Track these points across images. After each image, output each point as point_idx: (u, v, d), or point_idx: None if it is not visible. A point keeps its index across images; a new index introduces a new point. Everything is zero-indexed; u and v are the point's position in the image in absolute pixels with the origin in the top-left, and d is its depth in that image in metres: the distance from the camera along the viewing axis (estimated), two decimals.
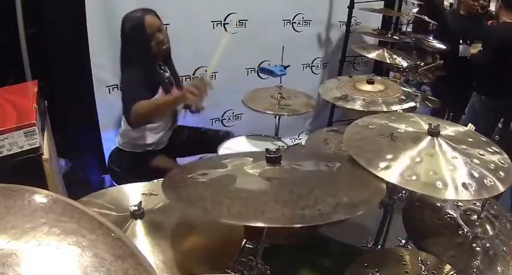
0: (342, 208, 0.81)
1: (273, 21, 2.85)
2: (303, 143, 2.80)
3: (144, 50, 1.74)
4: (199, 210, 0.80)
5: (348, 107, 1.62)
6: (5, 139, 1.14)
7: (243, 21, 2.70)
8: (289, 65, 2.46)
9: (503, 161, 1.04)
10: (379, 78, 1.81)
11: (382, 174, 0.97)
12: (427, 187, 0.93)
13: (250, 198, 0.83)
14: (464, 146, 1.06)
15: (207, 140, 2.15)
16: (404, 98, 1.64)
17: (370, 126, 1.19)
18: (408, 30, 3.81)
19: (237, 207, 0.80)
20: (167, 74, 1.90)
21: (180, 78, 2.04)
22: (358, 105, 1.59)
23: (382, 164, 0.99)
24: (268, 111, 2.05)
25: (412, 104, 1.60)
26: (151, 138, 1.93)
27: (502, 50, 2.55)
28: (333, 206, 0.81)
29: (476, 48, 2.91)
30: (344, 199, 0.85)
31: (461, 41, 2.97)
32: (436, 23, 3.21)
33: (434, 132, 1.07)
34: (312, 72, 3.31)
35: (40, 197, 0.59)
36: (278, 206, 0.80)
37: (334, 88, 1.75)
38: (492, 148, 1.10)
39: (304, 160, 1.08)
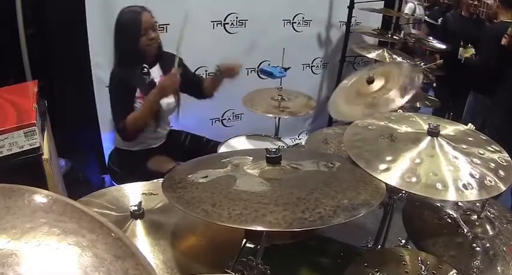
0: (342, 210, 0.81)
1: (273, 21, 2.85)
2: (303, 143, 2.80)
3: (134, 45, 1.75)
4: (200, 215, 0.80)
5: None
6: (5, 138, 1.14)
7: (243, 21, 2.70)
8: (289, 67, 2.46)
9: (503, 160, 1.04)
10: (379, 68, 1.78)
11: (381, 176, 0.97)
12: (427, 189, 0.92)
13: (251, 200, 0.83)
14: (464, 146, 1.06)
15: (207, 151, 2.14)
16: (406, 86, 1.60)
17: (369, 127, 1.19)
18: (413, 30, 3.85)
19: (238, 210, 0.80)
20: (150, 78, 1.86)
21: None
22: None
23: (382, 166, 0.99)
24: (268, 114, 2.04)
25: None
26: (146, 135, 1.91)
27: (500, 49, 2.56)
28: (333, 209, 0.81)
29: (469, 53, 2.94)
30: (344, 201, 0.85)
31: (462, 44, 2.99)
32: (435, 22, 3.23)
33: (434, 133, 1.07)
34: (312, 72, 3.31)
35: (40, 197, 0.59)
36: (278, 209, 0.80)
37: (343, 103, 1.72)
38: (492, 146, 1.09)
39: (304, 159, 1.08)
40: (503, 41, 2.50)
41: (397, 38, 2.99)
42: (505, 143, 1.13)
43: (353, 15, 3.02)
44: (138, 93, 1.80)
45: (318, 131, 1.91)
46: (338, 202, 0.84)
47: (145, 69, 1.86)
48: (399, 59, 2.58)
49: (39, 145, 1.20)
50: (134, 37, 1.74)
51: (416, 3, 4.60)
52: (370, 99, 1.60)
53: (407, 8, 4.59)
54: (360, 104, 1.60)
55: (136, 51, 1.77)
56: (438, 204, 1.28)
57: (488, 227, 1.19)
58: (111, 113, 1.80)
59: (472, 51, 2.94)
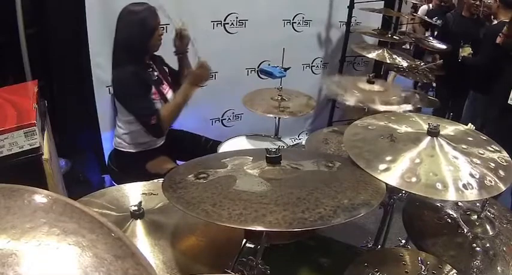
0: (342, 210, 0.81)
1: (273, 21, 2.85)
2: (303, 143, 2.80)
3: (145, 43, 1.76)
4: (200, 215, 0.80)
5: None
6: (5, 138, 1.13)
7: (243, 21, 2.70)
8: (289, 67, 2.45)
9: (503, 160, 1.04)
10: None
11: (381, 176, 0.97)
12: (427, 189, 0.93)
13: (251, 200, 0.83)
14: (464, 146, 1.06)
15: (206, 150, 2.13)
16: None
17: (369, 127, 1.19)
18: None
19: (238, 210, 0.80)
20: (156, 73, 1.90)
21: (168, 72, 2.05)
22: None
23: (382, 166, 0.99)
24: (268, 114, 2.04)
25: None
26: (145, 137, 1.91)
27: (499, 48, 2.56)
28: (333, 209, 0.81)
29: (466, 52, 2.96)
30: (344, 201, 0.85)
31: (462, 44, 3.00)
32: (434, 22, 3.24)
33: (433, 133, 1.07)
34: (312, 72, 3.31)
35: (40, 197, 0.59)
36: (278, 209, 0.80)
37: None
38: (492, 146, 1.09)
39: (304, 160, 1.08)
40: (498, 40, 2.52)
41: (397, 38, 2.99)
42: (502, 140, 1.13)
43: (353, 15, 3.02)
44: (153, 90, 1.81)
45: (318, 131, 1.91)
46: (338, 202, 0.84)
47: (151, 65, 1.88)
48: (399, 58, 2.57)
49: (39, 145, 1.20)
50: (151, 32, 1.76)
51: (431, 5, 4.71)
52: (365, 91, 1.66)
53: (421, 10, 4.75)
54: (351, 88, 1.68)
55: (150, 46, 1.79)
56: (438, 204, 1.28)
57: (488, 227, 1.19)
58: (133, 114, 1.78)
59: (469, 50, 2.97)
